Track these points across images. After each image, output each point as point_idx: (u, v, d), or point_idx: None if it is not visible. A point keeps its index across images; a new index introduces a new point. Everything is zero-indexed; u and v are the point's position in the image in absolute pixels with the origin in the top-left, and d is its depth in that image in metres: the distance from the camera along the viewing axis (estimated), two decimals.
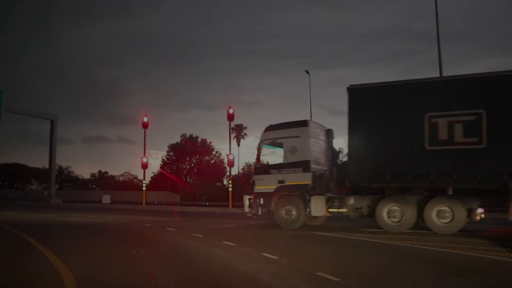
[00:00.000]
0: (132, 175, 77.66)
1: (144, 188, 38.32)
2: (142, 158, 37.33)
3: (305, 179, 14.88)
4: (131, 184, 71.33)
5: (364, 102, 14.14)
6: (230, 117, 31.57)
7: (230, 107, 31.45)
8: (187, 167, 71.62)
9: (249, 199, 16.02)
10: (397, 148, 13.43)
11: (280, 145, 15.67)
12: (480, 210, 12.91)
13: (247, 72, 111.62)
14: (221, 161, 69.59)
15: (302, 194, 14.83)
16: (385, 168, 13.43)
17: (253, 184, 16.11)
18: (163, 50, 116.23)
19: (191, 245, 10.65)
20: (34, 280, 6.60)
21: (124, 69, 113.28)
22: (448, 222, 12.63)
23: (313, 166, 15.08)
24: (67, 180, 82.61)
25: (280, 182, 15.27)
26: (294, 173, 15.06)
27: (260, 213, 15.61)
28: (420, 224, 13.38)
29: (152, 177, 63.42)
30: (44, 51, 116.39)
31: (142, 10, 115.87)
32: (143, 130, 37.25)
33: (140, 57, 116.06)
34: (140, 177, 57.91)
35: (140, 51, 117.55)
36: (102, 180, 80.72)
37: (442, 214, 12.71)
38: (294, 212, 14.87)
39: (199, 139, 71.56)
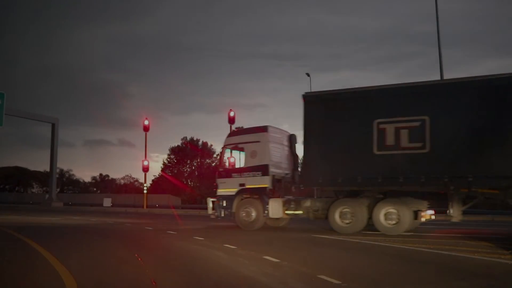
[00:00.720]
0: (133, 178, 77.66)
1: (145, 191, 38.35)
2: (143, 161, 37.39)
3: (264, 182, 15.54)
4: (132, 187, 71.30)
5: (318, 109, 14.76)
6: (231, 120, 31.61)
7: (231, 110, 31.52)
8: (188, 170, 71.54)
9: (213, 201, 16.69)
10: (348, 153, 14.01)
11: (241, 150, 16.36)
12: (430, 211, 13.82)
13: (247, 75, 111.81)
14: None
15: (261, 197, 15.50)
16: (337, 172, 14.04)
17: (216, 187, 16.78)
18: (164, 54, 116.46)
19: (192, 248, 10.64)
20: (36, 283, 6.60)
21: (125, 72, 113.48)
22: (395, 224, 13.24)
23: (272, 170, 15.70)
24: (68, 183, 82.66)
25: (241, 185, 15.96)
26: (254, 177, 15.72)
27: (222, 215, 16.26)
28: (418, 227, 13.42)
29: (153, 180, 63.38)
30: (45, 54, 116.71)
31: (143, 13, 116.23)
32: (144, 133, 37.34)
33: (141, 61, 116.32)
34: (141, 180, 58.07)
35: (141, 55, 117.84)
36: (103, 183, 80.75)
37: (389, 216, 13.31)
38: (253, 214, 15.55)
39: (200, 142, 71.50)
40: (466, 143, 12.57)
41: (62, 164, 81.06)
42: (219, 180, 16.74)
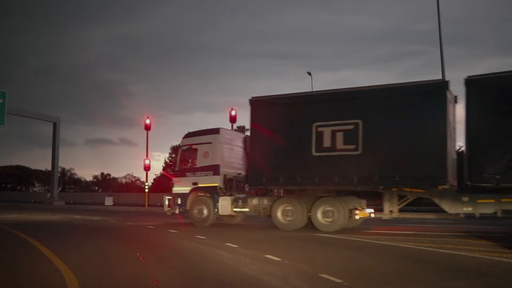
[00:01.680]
0: (134, 177, 77.68)
1: (146, 190, 38.35)
2: (144, 160, 37.31)
3: (215, 181, 16.49)
4: (134, 186, 71.32)
5: (264, 113, 15.60)
6: (233, 119, 31.50)
7: (232, 109, 31.40)
8: None
9: (168, 199, 17.79)
10: (289, 154, 14.82)
11: (195, 151, 17.27)
12: (369, 210, 14.96)
13: (249, 74, 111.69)
14: None
15: (212, 195, 16.52)
16: (279, 172, 14.93)
17: (172, 185, 17.96)
18: (165, 53, 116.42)
19: (194, 246, 10.66)
20: (37, 281, 6.62)
21: (126, 71, 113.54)
22: (331, 221, 14.09)
23: (223, 169, 16.65)
24: (69, 182, 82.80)
25: (194, 184, 16.98)
26: (206, 176, 16.70)
27: (177, 211, 17.36)
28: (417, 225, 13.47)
29: (154, 179, 63.32)
30: (47, 53, 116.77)
31: (144, 12, 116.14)
32: (146, 132, 37.23)
33: (143, 60, 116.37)
34: (143, 179, 58.09)
35: (142, 54, 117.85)
36: (105, 182, 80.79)
37: (326, 214, 14.18)
38: (205, 211, 16.60)
39: None
40: (393, 145, 13.35)
41: (64, 163, 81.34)
42: (174, 179, 17.87)
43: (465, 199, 12.84)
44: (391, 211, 14.18)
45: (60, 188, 61.92)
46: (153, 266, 7.76)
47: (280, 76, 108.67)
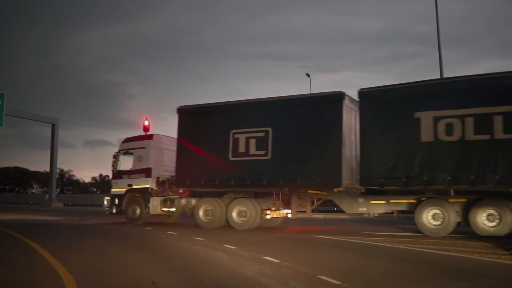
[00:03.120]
0: None
1: None
2: None
3: (147, 183, 18.03)
4: None
5: (189, 120, 17.06)
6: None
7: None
8: None
9: (107, 199, 19.46)
10: (210, 159, 16.01)
11: (131, 155, 18.82)
12: (286, 210, 16.17)
13: (248, 76, 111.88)
14: None
15: (144, 196, 17.92)
16: (201, 176, 16.24)
17: (110, 187, 19.60)
18: (164, 54, 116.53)
19: (192, 248, 10.65)
20: (35, 283, 6.61)
21: (125, 73, 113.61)
22: (244, 220, 15.48)
23: (156, 172, 18.13)
24: (68, 183, 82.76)
25: (129, 185, 18.51)
26: (139, 178, 18.23)
27: (114, 211, 18.87)
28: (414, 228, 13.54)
29: None
30: (46, 55, 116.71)
31: (144, 14, 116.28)
32: (144, 134, 37.19)
33: (142, 61, 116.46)
34: None
35: (141, 55, 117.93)
36: (103, 184, 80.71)
37: (240, 214, 15.60)
38: (137, 211, 18.15)
39: None
40: (297, 151, 14.60)
41: (62, 164, 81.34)
42: (113, 181, 19.42)
43: (361, 200, 14.16)
44: (304, 211, 15.87)
45: (58, 190, 61.83)
46: (151, 268, 7.75)
47: (279, 78, 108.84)
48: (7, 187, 78.80)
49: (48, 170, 50.74)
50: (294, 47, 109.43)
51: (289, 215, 16.17)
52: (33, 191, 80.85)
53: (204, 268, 7.82)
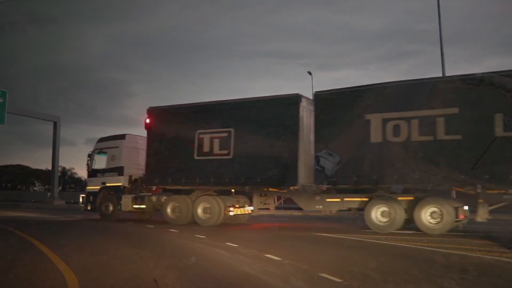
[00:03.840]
0: None
1: None
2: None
3: (120, 181, 18.69)
4: None
5: (158, 121, 17.68)
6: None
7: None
8: None
9: (82, 196, 20.39)
10: (177, 158, 16.73)
11: (105, 154, 19.51)
12: (251, 207, 16.76)
13: (249, 74, 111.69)
14: None
15: (117, 193, 18.67)
16: (168, 174, 16.88)
17: (86, 184, 20.78)
18: (166, 52, 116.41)
19: (194, 246, 10.67)
20: (37, 281, 6.63)
21: (127, 71, 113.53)
22: (209, 217, 16.15)
23: (128, 171, 18.77)
24: (70, 181, 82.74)
25: (103, 183, 19.19)
26: (112, 177, 18.88)
27: (89, 208, 19.61)
28: (411, 226, 13.63)
29: None
30: (48, 53, 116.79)
31: (146, 12, 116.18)
32: (146, 131, 37.23)
33: (144, 59, 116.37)
34: None
35: (143, 53, 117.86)
36: None
37: (205, 210, 16.28)
38: (110, 208, 18.82)
39: None
40: (257, 151, 15.03)
41: (64, 162, 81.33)
42: (88, 179, 20.29)
43: (317, 198, 14.74)
44: (267, 208, 16.82)
45: (60, 188, 61.91)
46: (153, 265, 7.77)
47: (280, 75, 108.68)
48: (9, 184, 78.99)
49: (50, 167, 50.84)
50: (296, 45, 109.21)
51: (253, 212, 16.87)
52: (35, 189, 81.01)
53: (205, 266, 7.84)
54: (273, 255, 8.50)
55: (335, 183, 14.18)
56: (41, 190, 75.75)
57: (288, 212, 23.45)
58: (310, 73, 37.41)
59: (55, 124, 46.06)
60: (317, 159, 14.58)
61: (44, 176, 72.40)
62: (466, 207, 13.17)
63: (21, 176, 77.92)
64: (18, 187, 79.49)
